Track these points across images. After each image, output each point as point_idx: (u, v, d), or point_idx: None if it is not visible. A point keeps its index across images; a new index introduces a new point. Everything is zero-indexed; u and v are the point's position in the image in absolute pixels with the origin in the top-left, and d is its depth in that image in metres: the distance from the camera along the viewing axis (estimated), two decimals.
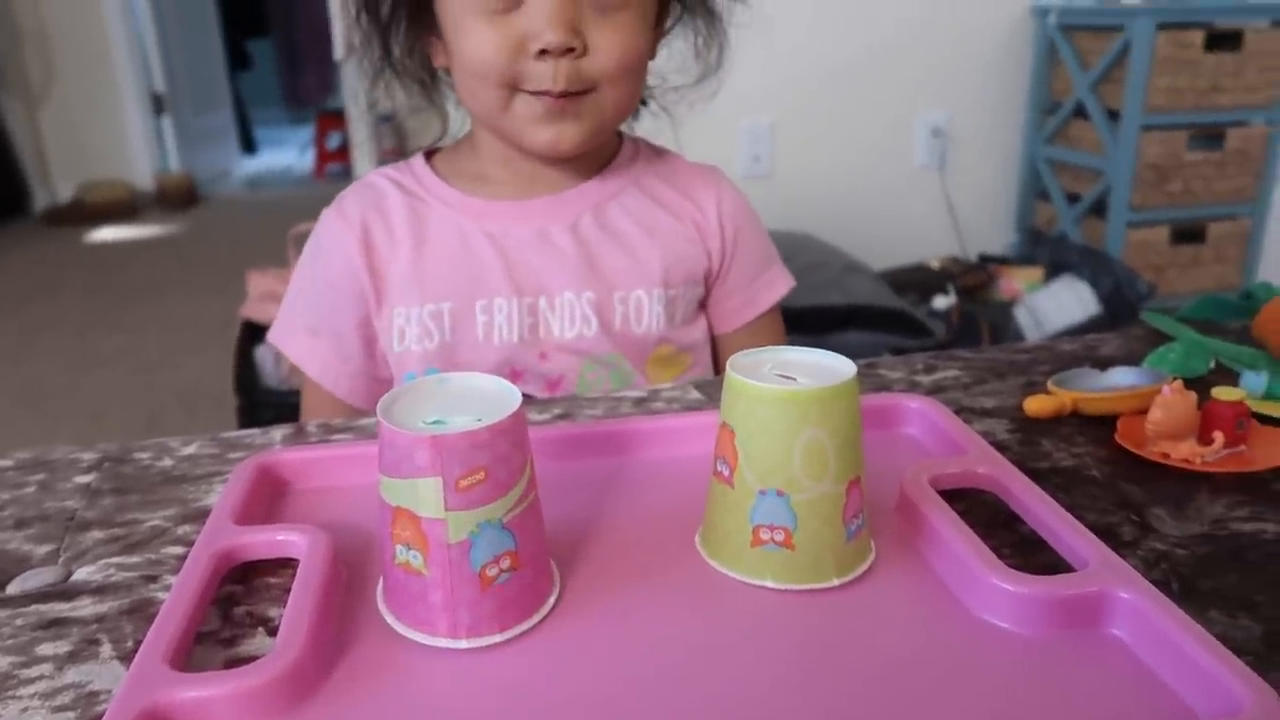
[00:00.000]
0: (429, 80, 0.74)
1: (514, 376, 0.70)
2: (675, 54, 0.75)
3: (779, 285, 0.82)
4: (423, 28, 0.70)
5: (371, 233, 0.72)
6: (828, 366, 0.43)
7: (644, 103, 0.78)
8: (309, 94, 6.18)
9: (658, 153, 0.79)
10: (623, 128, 0.77)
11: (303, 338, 0.74)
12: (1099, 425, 0.56)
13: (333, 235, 0.73)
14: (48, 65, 4.00)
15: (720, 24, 0.74)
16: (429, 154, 0.77)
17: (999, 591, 0.38)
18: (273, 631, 0.39)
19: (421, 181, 0.74)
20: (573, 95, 0.66)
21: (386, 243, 0.72)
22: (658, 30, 0.72)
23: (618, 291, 0.72)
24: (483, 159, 0.74)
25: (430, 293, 0.70)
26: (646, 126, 0.80)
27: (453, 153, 0.77)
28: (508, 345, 0.71)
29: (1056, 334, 1.95)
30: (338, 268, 0.72)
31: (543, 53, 0.63)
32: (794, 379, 0.41)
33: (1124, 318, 1.95)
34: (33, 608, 0.41)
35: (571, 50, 0.64)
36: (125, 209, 3.94)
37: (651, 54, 0.72)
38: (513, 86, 0.66)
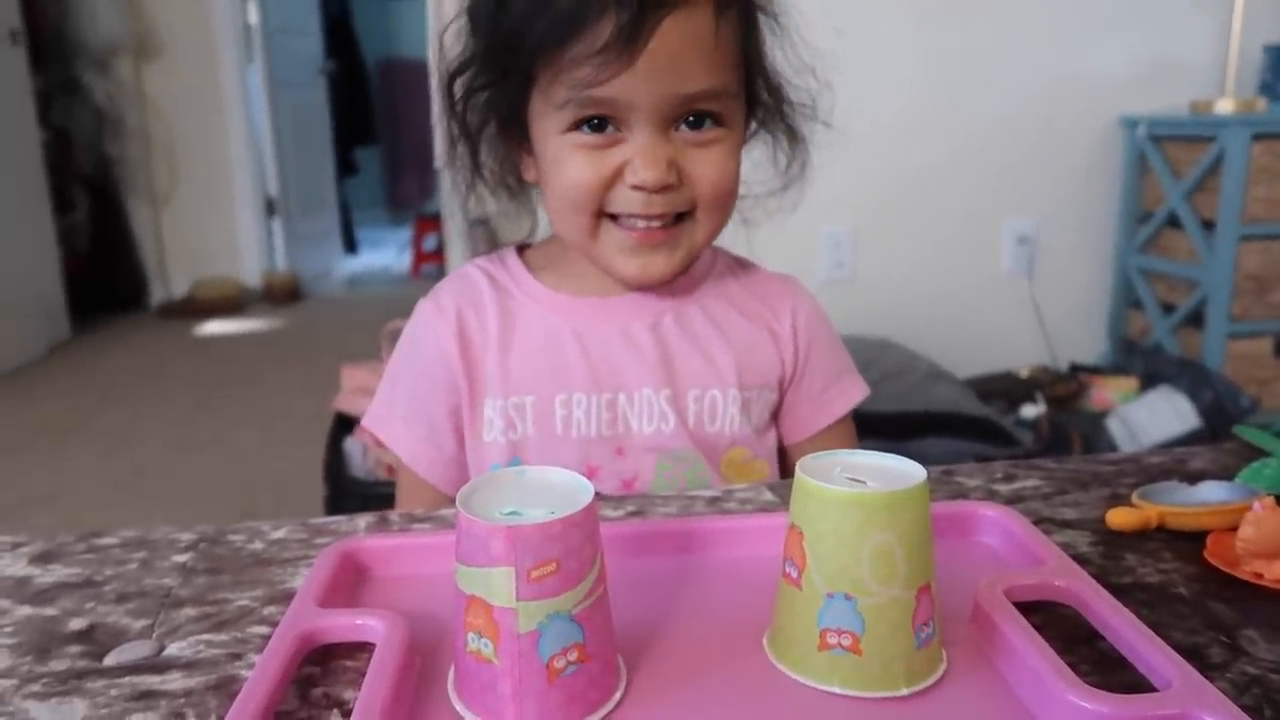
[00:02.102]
0: (517, 186, 0.76)
1: (590, 472, 0.71)
2: (756, 163, 0.75)
3: (852, 393, 0.82)
4: (513, 141, 0.72)
5: (466, 324, 0.74)
6: (898, 471, 0.43)
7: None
8: (409, 198, 6.49)
9: (738, 261, 0.81)
10: None
11: (398, 423, 0.76)
12: (1187, 541, 0.55)
13: (428, 325, 0.75)
14: (173, 171, 4.30)
15: (801, 139, 0.75)
16: (522, 247, 0.80)
17: (1077, 710, 0.37)
18: (347, 714, 0.41)
19: (513, 274, 0.76)
20: (665, 228, 0.67)
21: (479, 335, 0.74)
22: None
23: (693, 390, 0.73)
24: (570, 257, 0.75)
25: (515, 386, 0.72)
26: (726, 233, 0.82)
27: (545, 247, 0.79)
28: (586, 440, 0.72)
29: (1154, 447, 1.88)
30: (432, 356, 0.74)
31: (637, 187, 0.65)
32: (864, 482, 0.42)
33: (1226, 433, 1.88)
34: (127, 679, 0.43)
35: (668, 187, 0.65)
36: (233, 304, 4.16)
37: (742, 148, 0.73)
38: (603, 213, 0.67)
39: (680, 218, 0.68)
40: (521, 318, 0.74)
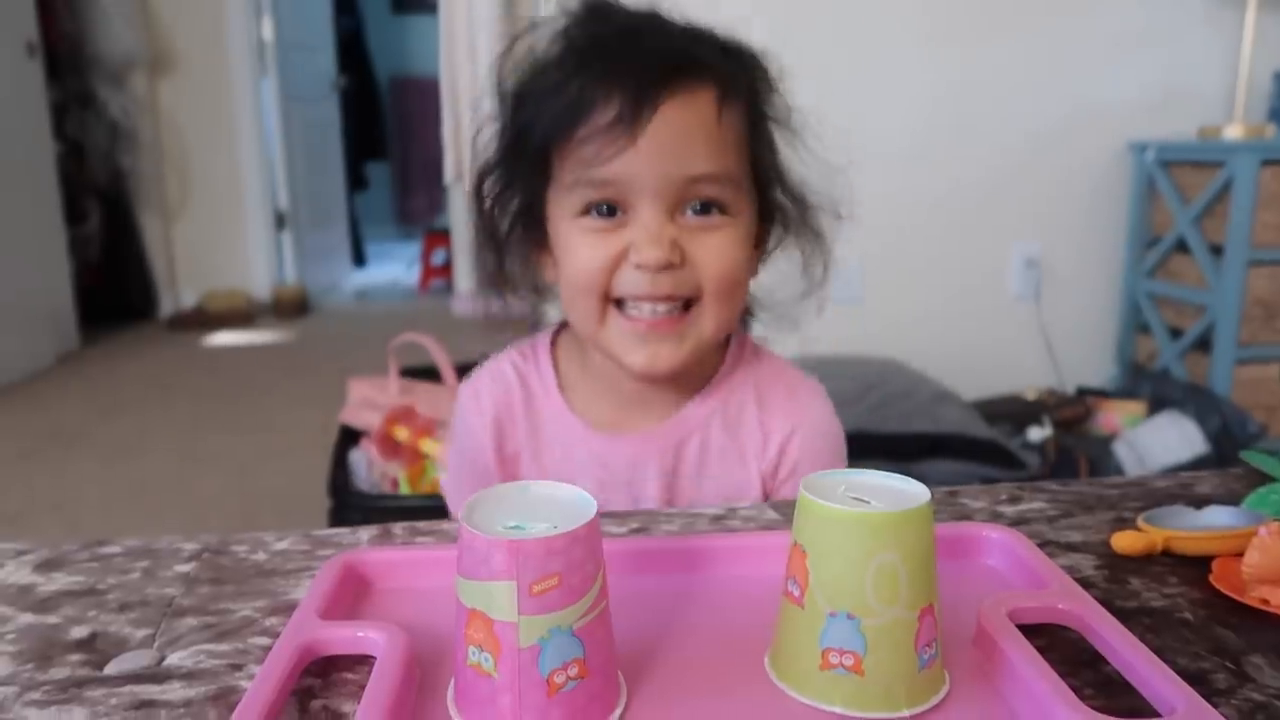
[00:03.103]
0: (544, 287, 0.76)
1: None
2: (780, 270, 0.75)
3: None
4: (534, 243, 0.73)
5: (502, 425, 0.77)
6: (903, 491, 0.43)
7: (751, 314, 0.79)
8: (418, 213, 6.52)
9: (758, 357, 0.78)
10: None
11: (458, 497, 0.81)
12: (1192, 566, 0.54)
13: (470, 419, 0.78)
14: (184, 184, 4.33)
15: (824, 242, 0.74)
16: (557, 331, 0.79)
17: None
18: None
19: (543, 379, 0.77)
20: (671, 316, 0.67)
21: (512, 440, 0.77)
22: (759, 250, 0.73)
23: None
24: (589, 372, 0.76)
25: None
26: None
27: (573, 348, 0.77)
28: None
29: (1160, 472, 1.87)
30: (476, 448, 0.77)
31: (640, 265, 0.65)
32: (868, 502, 0.41)
33: (1233, 458, 1.87)
34: (127, 688, 0.43)
35: (670, 265, 0.65)
36: (242, 317, 4.17)
37: (753, 272, 0.73)
38: (611, 299, 0.68)
39: (688, 307, 0.68)
40: (548, 432, 0.76)
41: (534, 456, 0.76)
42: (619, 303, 0.68)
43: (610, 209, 0.66)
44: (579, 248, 0.67)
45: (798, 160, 0.72)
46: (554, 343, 0.79)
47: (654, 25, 0.68)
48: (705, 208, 0.66)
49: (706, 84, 0.65)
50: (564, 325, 0.78)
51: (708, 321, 0.68)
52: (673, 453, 0.75)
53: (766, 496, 0.76)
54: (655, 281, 0.65)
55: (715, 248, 0.66)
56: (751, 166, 0.69)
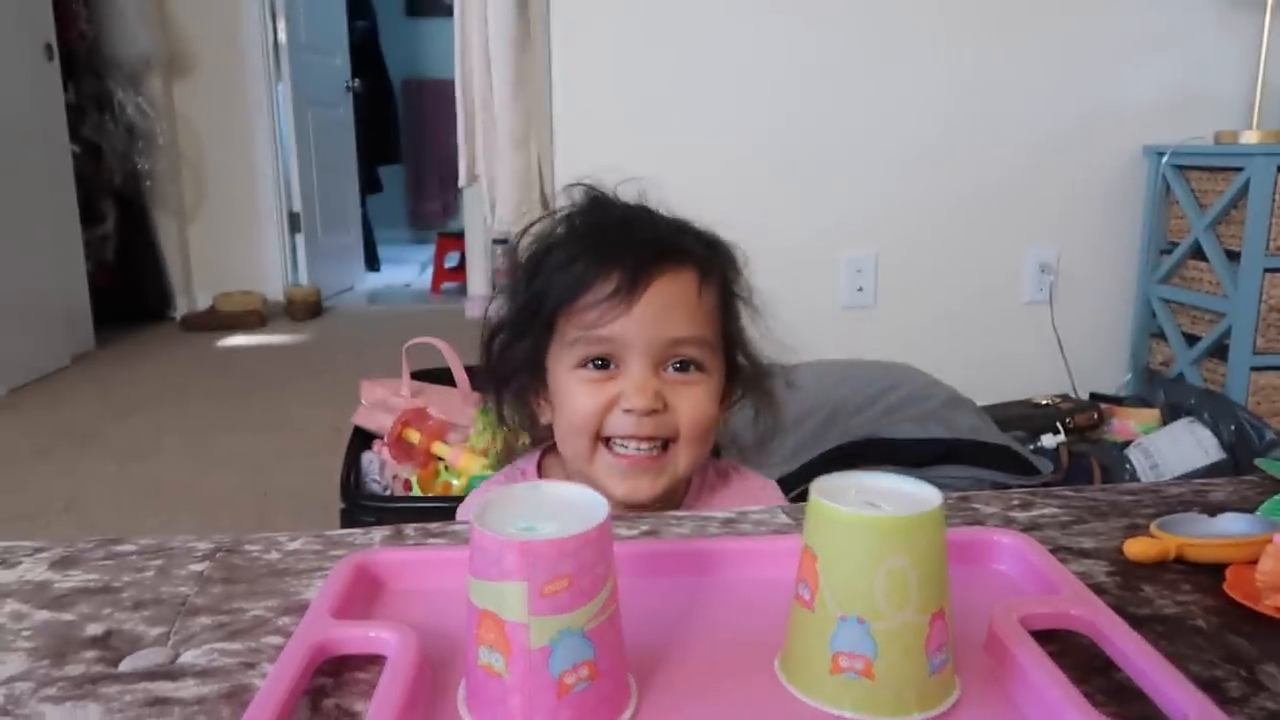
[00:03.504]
0: (531, 429, 0.86)
1: None
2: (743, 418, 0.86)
3: None
4: (532, 389, 0.83)
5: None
6: (914, 495, 0.43)
7: (718, 454, 0.90)
8: (431, 216, 6.54)
9: (721, 476, 0.88)
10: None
11: None
12: (1206, 573, 0.54)
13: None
14: (200, 185, 4.36)
15: (775, 401, 0.86)
16: (542, 456, 0.88)
17: None
18: None
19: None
20: (651, 455, 0.77)
21: None
22: (724, 404, 0.84)
23: None
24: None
25: None
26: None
27: (558, 473, 0.86)
28: None
29: (1175, 479, 1.86)
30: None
31: (628, 410, 0.76)
32: (879, 506, 0.41)
33: (1249, 466, 1.85)
34: (141, 685, 0.44)
35: (655, 411, 0.76)
36: (255, 318, 4.19)
37: (721, 421, 0.83)
38: (600, 438, 0.78)
39: (666, 447, 0.78)
40: None
41: None
42: (607, 441, 0.78)
43: (604, 363, 0.77)
44: (576, 395, 0.77)
45: (757, 334, 0.84)
46: (539, 466, 0.88)
47: (645, 218, 0.80)
48: (684, 365, 0.77)
49: (688, 266, 0.78)
50: (546, 451, 0.88)
51: (682, 460, 0.79)
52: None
53: None
54: (640, 424, 0.76)
55: (691, 398, 0.77)
56: (722, 334, 0.81)
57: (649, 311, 0.75)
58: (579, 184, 0.83)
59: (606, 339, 0.76)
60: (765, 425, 0.86)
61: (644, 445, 0.77)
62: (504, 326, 0.84)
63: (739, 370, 0.84)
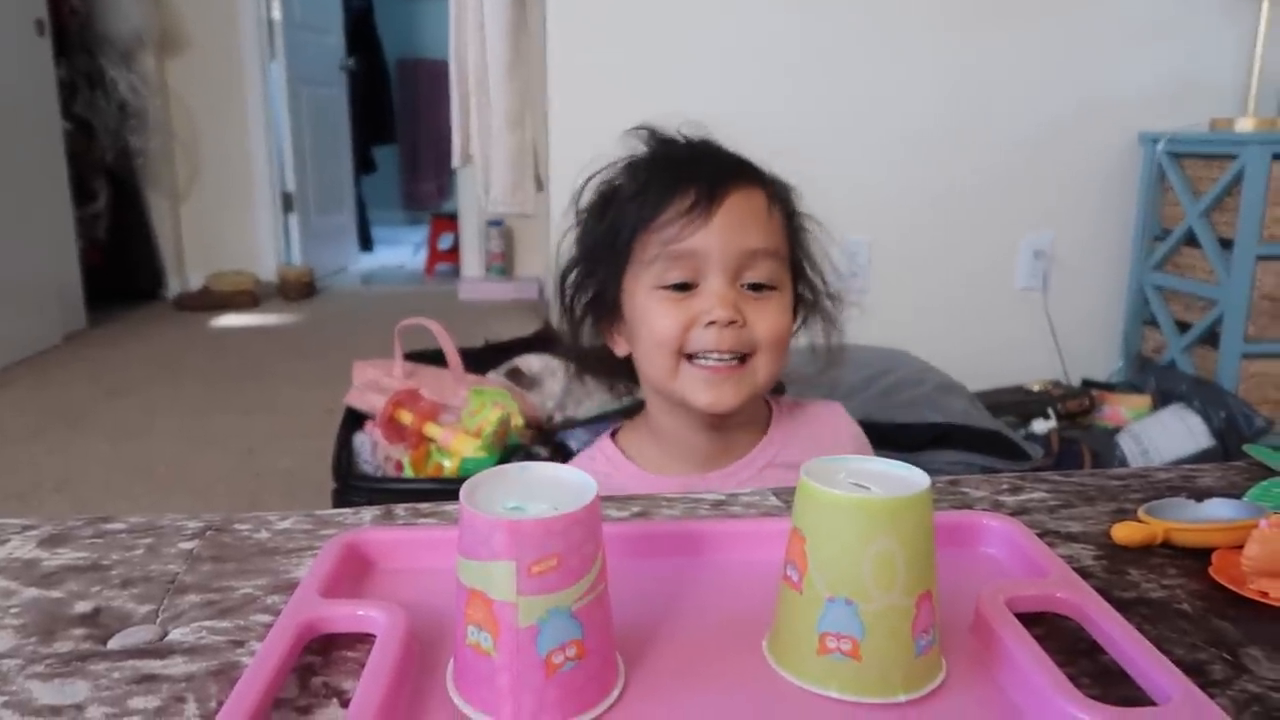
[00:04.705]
0: (600, 369, 0.91)
1: None
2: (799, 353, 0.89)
3: None
4: (606, 324, 0.87)
5: None
6: (903, 478, 0.43)
7: (781, 390, 0.94)
8: (426, 197, 6.52)
9: (796, 405, 0.93)
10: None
11: None
12: (1192, 558, 0.54)
13: None
14: (192, 164, 4.34)
15: (836, 328, 0.89)
16: (613, 433, 0.93)
17: None
18: (345, 703, 0.41)
19: (611, 460, 0.90)
20: (731, 364, 0.80)
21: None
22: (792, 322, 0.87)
23: None
24: (660, 439, 0.88)
25: None
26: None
27: (633, 433, 0.92)
28: None
29: (1164, 464, 1.87)
30: None
31: (710, 324, 0.79)
32: (868, 488, 0.42)
33: (1238, 453, 1.86)
34: (129, 663, 0.44)
35: (734, 323, 0.79)
36: (248, 298, 4.18)
37: (792, 333, 0.86)
38: (684, 354, 0.80)
39: (744, 360, 0.81)
40: (626, 491, 0.85)
41: None
42: (690, 357, 0.81)
43: (682, 285, 0.80)
44: (657, 314, 0.80)
45: (819, 257, 0.89)
46: (613, 436, 0.92)
47: (710, 147, 0.85)
48: (757, 287, 0.81)
49: (757, 187, 0.82)
50: (617, 428, 0.93)
51: (761, 370, 0.82)
52: (752, 482, 0.83)
53: None
54: (721, 336, 0.79)
55: (767, 313, 0.81)
56: (789, 256, 0.84)
57: (726, 223, 0.79)
58: (641, 127, 0.86)
59: (687, 252, 0.79)
60: (832, 349, 0.89)
61: (725, 356, 0.80)
62: (576, 264, 0.87)
63: (802, 296, 0.88)
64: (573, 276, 0.87)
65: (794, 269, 0.86)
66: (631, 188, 0.83)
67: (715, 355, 0.80)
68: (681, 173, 0.81)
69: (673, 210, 0.79)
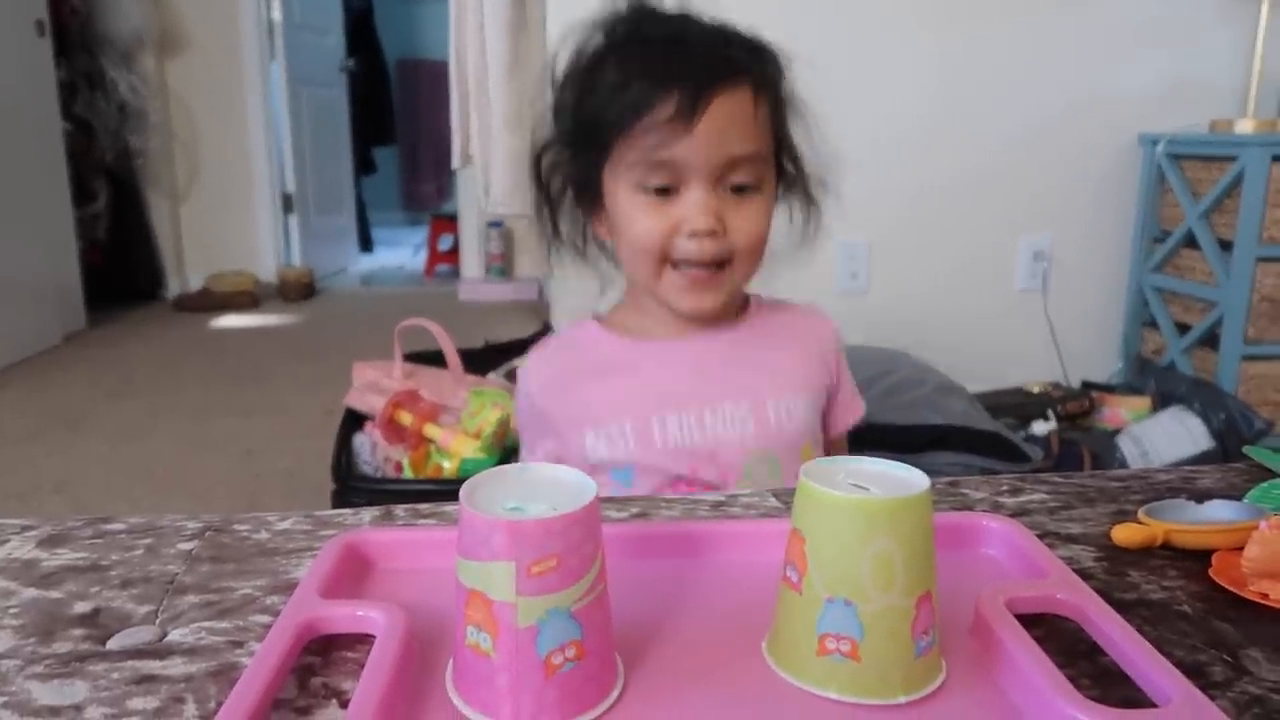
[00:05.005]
0: (583, 248, 0.89)
1: (691, 472, 0.83)
2: (777, 228, 0.87)
3: (860, 403, 0.96)
4: (587, 205, 0.86)
5: (555, 374, 0.88)
6: (902, 479, 0.43)
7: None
8: (426, 198, 6.51)
9: (775, 301, 0.93)
10: None
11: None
12: (1193, 559, 0.54)
13: (520, 386, 0.90)
14: (192, 165, 4.34)
15: (816, 206, 0.88)
16: (597, 316, 0.93)
17: None
18: (345, 704, 0.41)
19: (590, 333, 0.90)
20: (711, 270, 0.81)
21: (566, 380, 0.87)
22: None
23: (772, 400, 0.85)
24: (644, 313, 0.88)
25: (613, 415, 0.84)
26: None
27: (616, 312, 0.92)
28: (683, 450, 0.83)
29: (1163, 466, 1.87)
30: (528, 411, 0.89)
31: (692, 234, 0.78)
32: (867, 489, 0.42)
33: (1238, 455, 1.86)
34: (129, 663, 0.44)
35: (714, 233, 0.79)
36: (248, 299, 4.17)
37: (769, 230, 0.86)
38: (667, 259, 0.81)
39: (722, 265, 0.81)
40: (608, 363, 0.88)
41: (594, 391, 0.85)
42: (672, 262, 0.81)
43: (665, 189, 0.79)
44: (639, 219, 0.80)
45: (802, 138, 0.86)
46: (596, 318, 0.92)
47: (693, 30, 0.81)
48: (739, 189, 0.80)
49: (743, 82, 0.79)
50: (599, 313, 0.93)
51: (739, 274, 0.83)
52: (730, 345, 0.87)
53: (835, 381, 0.91)
54: (702, 246, 0.79)
55: (748, 218, 0.81)
56: (773, 142, 0.83)
57: (709, 132, 0.76)
58: None
59: (667, 162, 0.77)
60: (807, 231, 0.89)
61: (706, 265, 0.80)
62: (553, 143, 0.85)
63: (785, 174, 0.87)
64: (550, 156, 0.85)
65: (778, 149, 0.85)
66: (610, 80, 0.79)
67: (696, 266, 0.80)
68: (663, 73, 0.77)
69: (653, 117, 0.76)
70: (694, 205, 0.78)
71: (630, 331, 0.89)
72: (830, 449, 0.94)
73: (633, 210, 0.80)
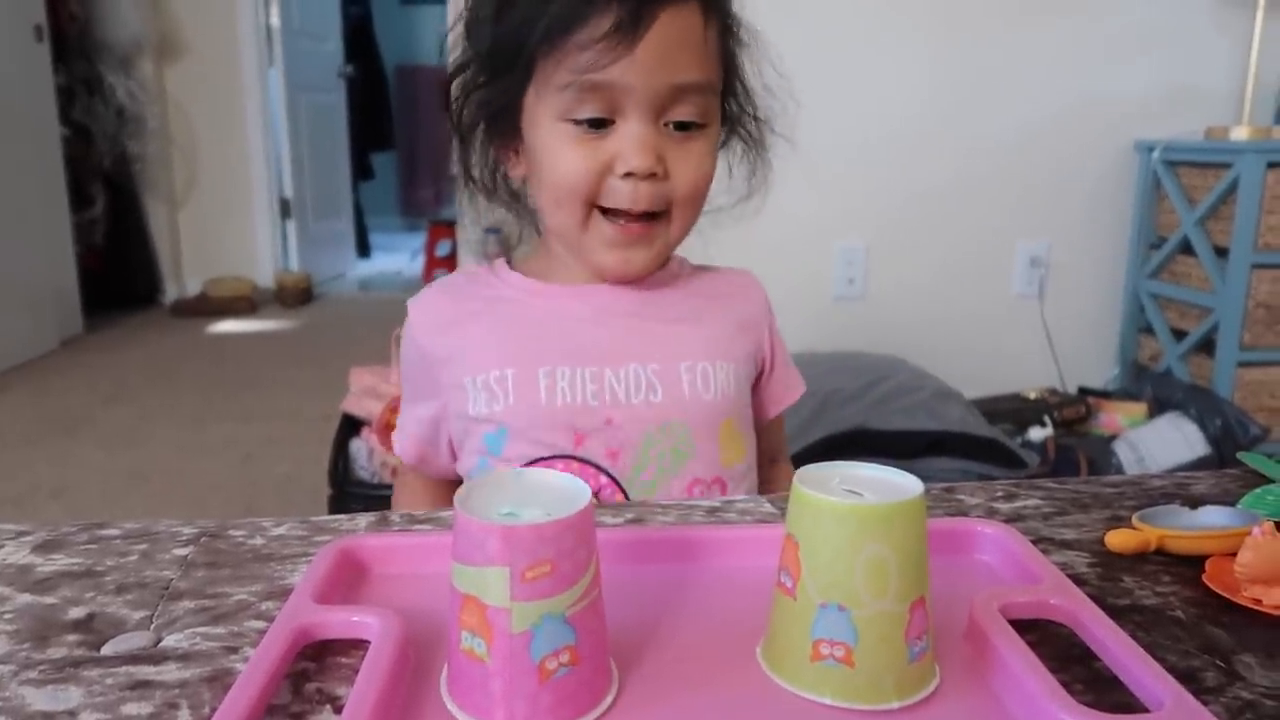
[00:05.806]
0: (506, 189, 0.79)
1: (578, 439, 0.72)
2: (720, 176, 0.78)
3: (799, 384, 0.86)
4: (500, 139, 0.75)
5: (440, 312, 0.77)
6: (896, 484, 0.43)
7: None
8: (423, 204, 6.52)
9: (700, 266, 0.84)
10: None
11: (406, 423, 0.81)
12: (1186, 565, 0.54)
13: (407, 328, 0.79)
14: (190, 170, 4.34)
15: (764, 150, 0.79)
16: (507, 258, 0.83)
17: None
18: (339, 710, 0.41)
19: (496, 272, 0.80)
20: (645, 222, 0.71)
21: (451, 318, 0.76)
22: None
23: (685, 362, 0.74)
24: (552, 258, 0.79)
25: (494, 360, 0.73)
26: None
27: (532, 256, 0.82)
28: (572, 408, 0.72)
29: (1159, 472, 1.87)
30: (412, 353, 0.78)
31: (627, 175, 0.69)
32: (861, 494, 0.42)
33: (1234, 461, 1.86)
34: (123, 669, 0.44)
35: (654, 176, 0.69)
36: (246, 304, 4.18)
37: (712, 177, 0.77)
38: (593, 205, 0.71)
39: (657, 217, 0.72)
40: (498, 302, 0.77)
41: (477, 332, 0.75)
42: (602, 209, 0.71)
43: (596, 122, 0.68)
44: (564, 154, 0.69)
45: (752, 75, 0.77)
46: (504, 259, 0.82)
47: None
48: (683, 125, 0.70)
49: (692, 1, 0.68)
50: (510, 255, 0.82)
51: (676, 227, 0.73)
52: (648, 300, 0.77)
53: (768, 353, 0.81)
54: (637, 191, 0.69)
55: (691, 160, 0.71)
56: (724, 75, 0.74)
57: (653, 52, 0.66)
58: None
59: (604, 85, 0.67)
60: (754, 179, 0.79)
61: (637, 221, 0.71)
62: (468, 65, 0.73)
63: (729, 113, 0.77)
64: (464, 79, 0.74)
65: (727, 89, 0.75)
66: None
67: (628, 214, 0.70)
68: None
69: (588, 31, 0.65)
70: (631, 140, 0.68)
71: (538, 271, 0.79)
72: (766, 434, 0.83)
73: (557, 145, 0.69)
